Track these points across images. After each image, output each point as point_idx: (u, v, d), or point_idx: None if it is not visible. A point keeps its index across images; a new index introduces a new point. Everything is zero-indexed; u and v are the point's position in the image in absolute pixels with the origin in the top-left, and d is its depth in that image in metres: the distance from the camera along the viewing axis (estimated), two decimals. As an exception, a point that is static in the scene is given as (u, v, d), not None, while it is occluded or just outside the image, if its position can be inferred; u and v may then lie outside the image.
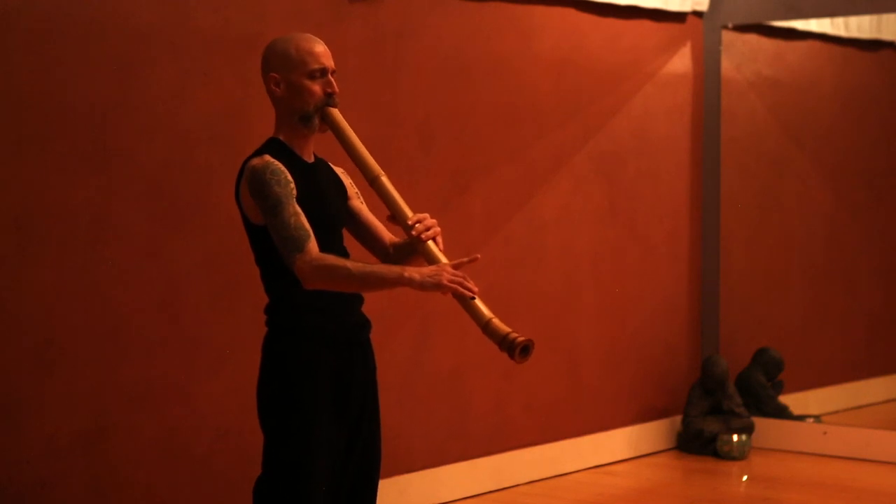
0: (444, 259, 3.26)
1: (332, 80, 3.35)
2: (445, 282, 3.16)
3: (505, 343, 3.14)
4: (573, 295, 6.14)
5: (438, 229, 3.32)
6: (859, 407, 7.26)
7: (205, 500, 4.70)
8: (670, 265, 6.65)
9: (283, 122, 3.36)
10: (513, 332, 3.15)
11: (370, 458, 3.47)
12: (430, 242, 3.29)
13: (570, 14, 6.05)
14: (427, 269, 3.19)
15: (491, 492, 5.69)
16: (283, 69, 3.32)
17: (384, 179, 3.38)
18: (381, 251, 3.53)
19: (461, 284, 3.18)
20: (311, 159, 3.40)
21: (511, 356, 3.14)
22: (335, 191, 3.44)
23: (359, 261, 3.25)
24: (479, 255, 3.30)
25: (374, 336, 5.25)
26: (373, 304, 5.26)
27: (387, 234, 3.53)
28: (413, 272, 3.17)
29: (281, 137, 3.35)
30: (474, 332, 5.80)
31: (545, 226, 5.98)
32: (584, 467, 6.14)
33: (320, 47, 3.35)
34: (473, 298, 3.18)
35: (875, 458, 6.32)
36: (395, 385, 5.36)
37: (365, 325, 3.49)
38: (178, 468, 4.59)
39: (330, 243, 3.32)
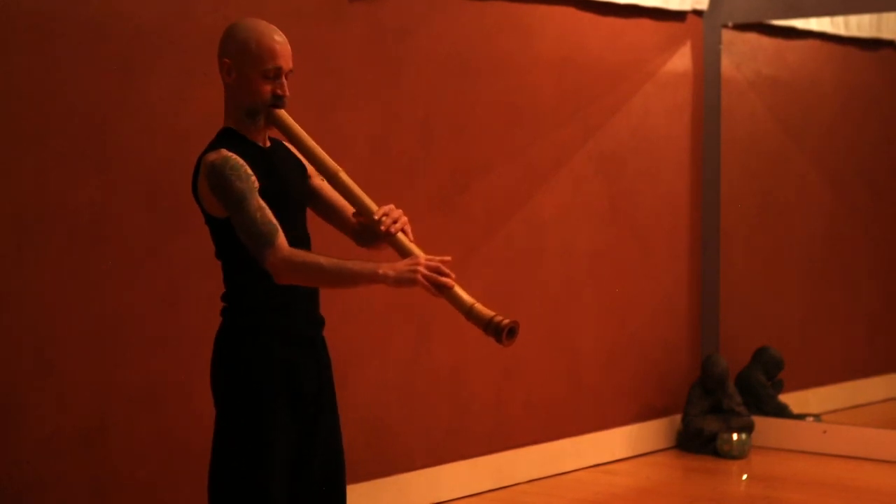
0: (415, 249, 3.21)
1: (285, 81, 3.29)
2: (420, 278, 3.10)
3: (490, 327, 3.09)
4: (573, 294, 6.14)
5: (405, 219, 3.27)
6: (859, 406, 7.26)
7: (204, 499, 4.69)
8: (670, 264, 6.65)
9: (232, 110, 3.32)
10: (497, 315, 3.10)
11: (332, 450, 3.39)
12: (400, 234, 3.24)
13: (571, 13, 6.05)
14: (401, 265, 3.13)
15: (491, 490, 5.70)
16: (237, 58, 3.25)
17: (343, 176, 3.33)
18: (349, 227, 3.45)
19: (438, 272, 3.12)
20: (267, 143, 3.36)
21: (498, 340, 3.09)
22: (295, 172, 3.39)
23: (333, 256, 3.20)
24: (450, 257, 3.20)
25: (374, 334, 5.27)
26: (372, 303, 5.28)
27: (352, 210, 3.44)
28: (387, 269, 3.12)
29: (232, 126, 3.31)
30: (474, 331, 5.82)
31: (545, 225, 5.99)
32: (583, 466, 6.14)
33: (280, 46, 3.27)
34: (452, 287, 3.13)
35: (875, 456, 6.32)
36: (395, 384, 5.36)
37: (318, 322, 3.42)
38: (178, 467, 4.59)
39: (292, 225, 3.28)
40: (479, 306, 3.13)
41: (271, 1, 4.86)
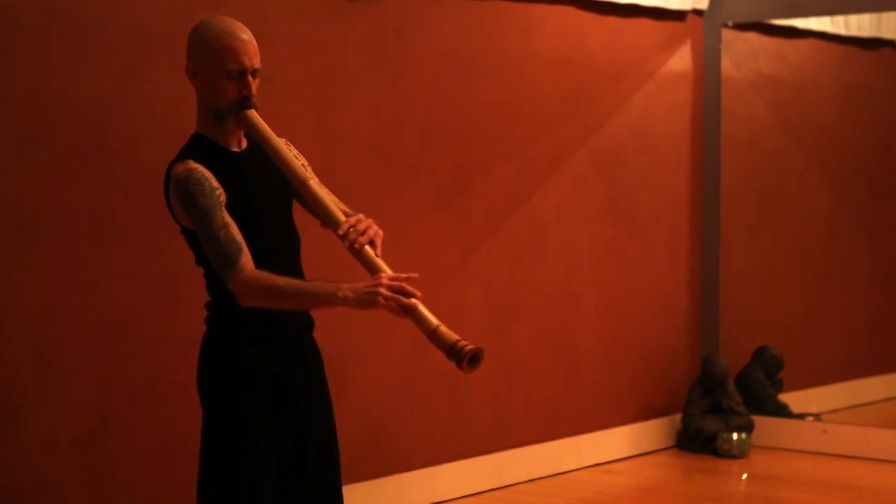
0: (382, 266, 3.08)
1: (251, 80, 3.15)
2: (381, 300, 2.98)
3: (453, 352, 3.00)
4: (573, 293, 6.14)
5: (374, 230, 3.13)
6: (859, 405, 7.26)
7: (205, 499, 4.70)
8: (670, 263, 6.65)
9: (201, 114, 3.20)
10: (461, 340, 3.02)
11: (326, 455, 3.33)
12: (367, 248, 3.11)
13: (570, 12, 6.05)
14: (362, 286, 3.01)
15: (490, 490, 5.70)
16: (200, 60, 3.14)
17: (312, 184, 3.19)
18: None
19: (401, 292, 3.01)
20: (240, 147, 3.23)
21: (459, 366, 3.00)
22: (272, 175, 3.24)
23: (294, 278, 3.09)
24: (416, 274, 3.10)
25: (374, 334, 5.27)
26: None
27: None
28: (347, 291, 3.00)
29: (202, 132, 3.20)
30: (474, 331, 5.82)
31: (545, 224, 5.99)
32: (583, 465, 6.14)
33: (242, 45, 3.13)
34: (416, 308, 3.02)
35: (875, 456, 6.32)
36: (395, 383, 5.36)
37: (306, 326, 3.32)
38: (178, 466, 4.59)
39: (265, 234, 3.17)
40: (443, 329, 3.04)
41: (271, 1, 4.86)
